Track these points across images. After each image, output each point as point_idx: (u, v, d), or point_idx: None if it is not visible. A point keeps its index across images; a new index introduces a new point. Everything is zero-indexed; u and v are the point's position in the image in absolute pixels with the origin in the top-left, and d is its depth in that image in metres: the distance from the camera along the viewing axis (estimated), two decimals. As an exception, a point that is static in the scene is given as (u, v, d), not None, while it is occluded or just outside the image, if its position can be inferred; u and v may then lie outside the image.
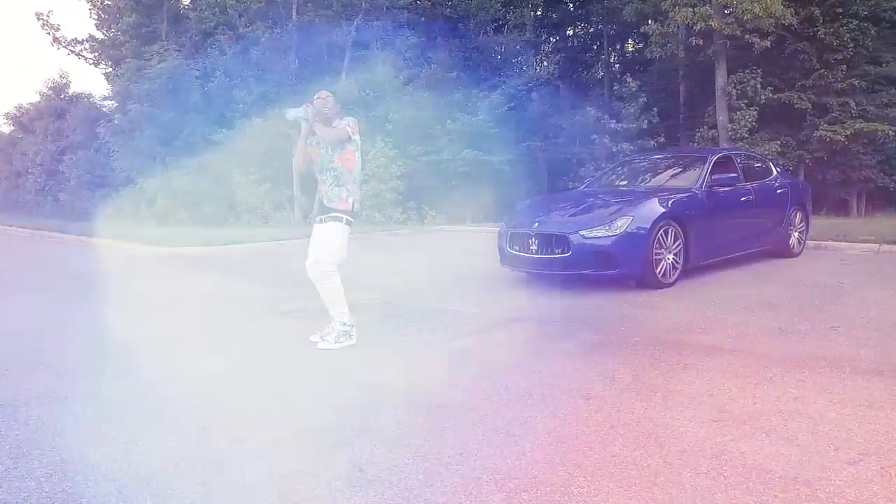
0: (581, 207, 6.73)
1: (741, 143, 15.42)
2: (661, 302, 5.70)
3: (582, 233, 6.19)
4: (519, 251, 6.67)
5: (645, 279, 6.27)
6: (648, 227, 6.20)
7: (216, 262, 9.52)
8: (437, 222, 16.13)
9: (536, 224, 6.55)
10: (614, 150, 16.41)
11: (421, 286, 7.01)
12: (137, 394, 3.58)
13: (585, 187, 8.12)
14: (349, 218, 4.46)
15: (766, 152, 17.01)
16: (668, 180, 7.42)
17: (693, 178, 7.11)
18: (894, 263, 7.61)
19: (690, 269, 6.64)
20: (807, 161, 17.25)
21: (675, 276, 6.48)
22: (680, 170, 7.59)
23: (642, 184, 7.56)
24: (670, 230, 6.44)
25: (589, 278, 6.33)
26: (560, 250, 6.29)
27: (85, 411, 3.31)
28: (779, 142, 16.59)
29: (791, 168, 17.22)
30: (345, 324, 4.49)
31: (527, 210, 7.18)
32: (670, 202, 6.52)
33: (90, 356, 4.41)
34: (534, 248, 6.50)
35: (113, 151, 18.62)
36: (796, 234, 8.24)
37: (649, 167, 8.02)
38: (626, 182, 7.68)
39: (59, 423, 3.14)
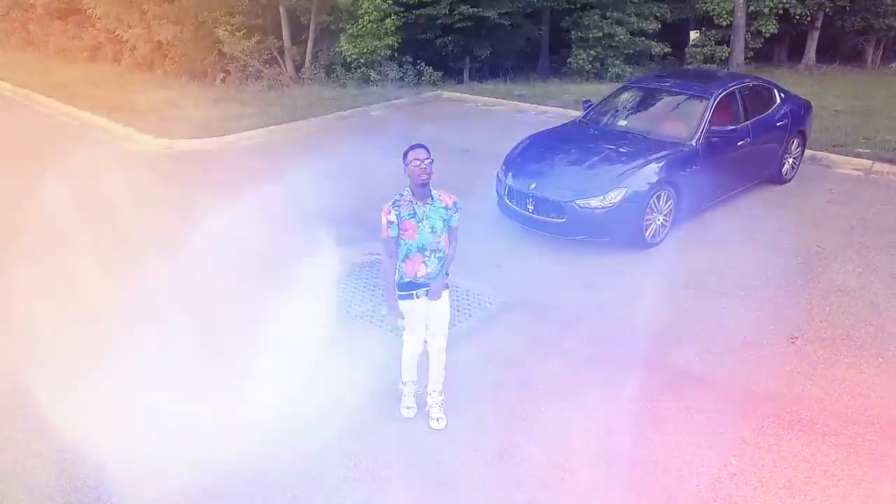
0: (578, 165, 6.79)
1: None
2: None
3: (577, 202, 6.39)
4: (517, 206, 6.90)
5: (634, 242, 6.63)
6: (641, 197, 6.41)
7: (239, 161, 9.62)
8: (434, 80, 15.62)
9: (534, 185, 6.70)
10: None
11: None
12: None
13: (584, 117, 8.00)
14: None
15: (786, 2, 15.92)
16: (665, 122, 7.31)
17: (691, 127, 7.04)
18: (880, 202, 7.85)
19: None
20: (827, 10, 16.20)
21: (664, 234, 6.82)
22: (679, 109, 7.43)
23: (640, 122, 7.46)
24: (663, 194, 6.64)
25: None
26: (555, 215, 6.55)
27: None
28: (800, -13, 15.47)
29: (809, 16, 16.25)
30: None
31: (525, 157, 7.20)
32: (664, 167, 6.60)
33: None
34: (531, 208, 6.74)
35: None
36: (791, 161, 8.34)
37: (648, 101, 7.80)
38: (624, 121, 7.55)
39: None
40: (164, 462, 4.00)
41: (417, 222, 3.82)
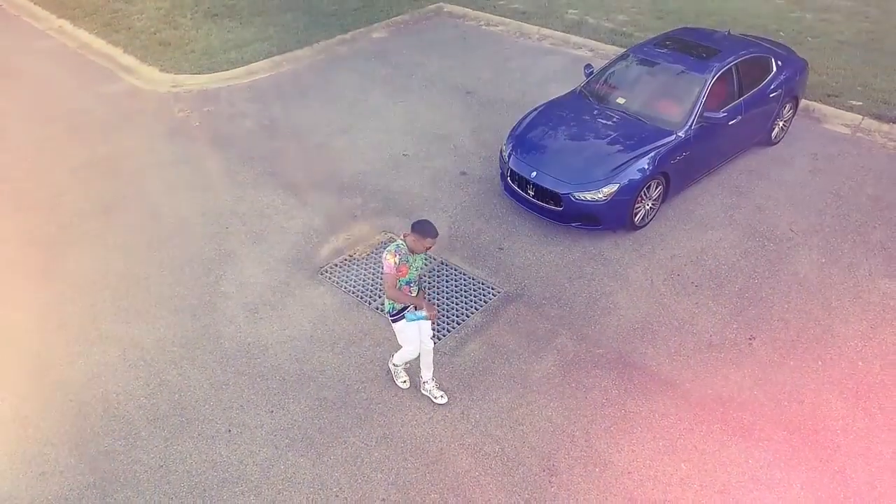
0: (576, 157, 7.21)
1: None
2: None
3: (574, 194, 6.97)
4: (518, 189, 7.46)
5: (624, 227, 7.28)
6: (633, 189, 6.97)
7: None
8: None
9: (535, 174, 7.21)
10: None
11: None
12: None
13: (585, 87, 8.22)
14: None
15: None
16: (660, 102, 7.60)
17: (684, 111, 7.38)
18: (858, 172, 8.35)
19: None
20: None
21: (652, 216, 7.46)
22: (675, 87, 7.66)
23: (636, 101, 7.74)
24: (653, 183, 7.19)
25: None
26: (553, 203, 7.15)
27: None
28: None
29: None
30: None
31: (527, 140, 7.58)
32: (656, 159, 7.07)
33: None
34: (531, 193, 7.31)
35: None
36: (781, 124, 8.70)
37: (646, 74, 7.97)
38: (622, 99, 7.81)
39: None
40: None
41: (409, 265, 4.93)
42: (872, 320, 6.19)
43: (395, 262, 4.79)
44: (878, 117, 9.26)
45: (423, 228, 4.71)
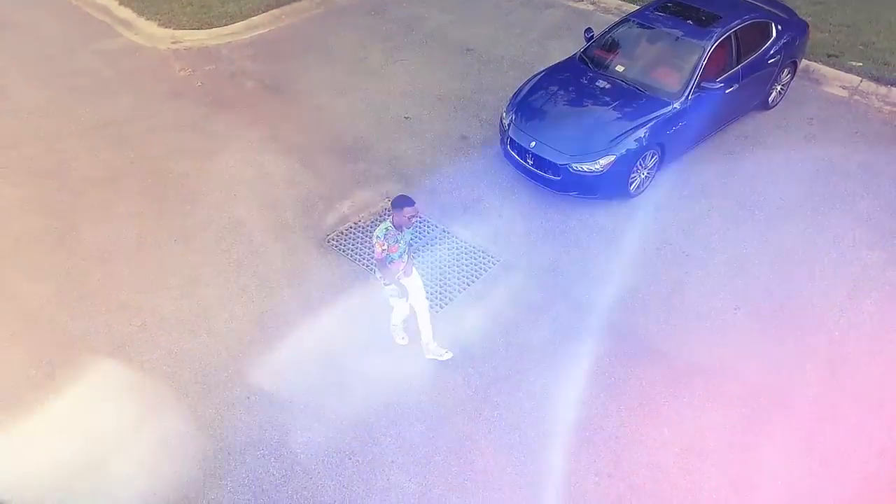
0: (574, 128, 7.36)
1: None
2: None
3: (572, 165, 7.17)
4: (517, 157, 7.65)
5: (620, 196, 7.52)
6: (629, 160, 7.18)
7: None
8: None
9: (534, 144, 7.38)
10: None
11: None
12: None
13: (585, 52, 8.24)
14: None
15: None
16: (658, 71, 7.69)
17: (682, 81, 7.48)
18: (852, 138, 8.50)
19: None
20: None
21: (647, 185, 7.68)
22: (673, 56, 7.73)
23: (634, 69, 7.81)
24: (649, 154, 7.37)
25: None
26: (552, 173, 7.36)
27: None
28: None
29: None
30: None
31: (527, 108, 7.70)
32: (653, 130, 7.24)
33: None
34: (530, 162, 7.51)
35: None
36: (778, 88, 8.78)
37: (645, 41, 8.00)
38: (620, 67, 7.87)
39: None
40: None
41: (398, 243, 5.33)
42: (851, 291, 6.55)
43: (385, 247, 5.24)
44: (877, 80, 9.32)
45: (399, 203, 5.17)
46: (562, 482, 5.15)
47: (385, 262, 5.32)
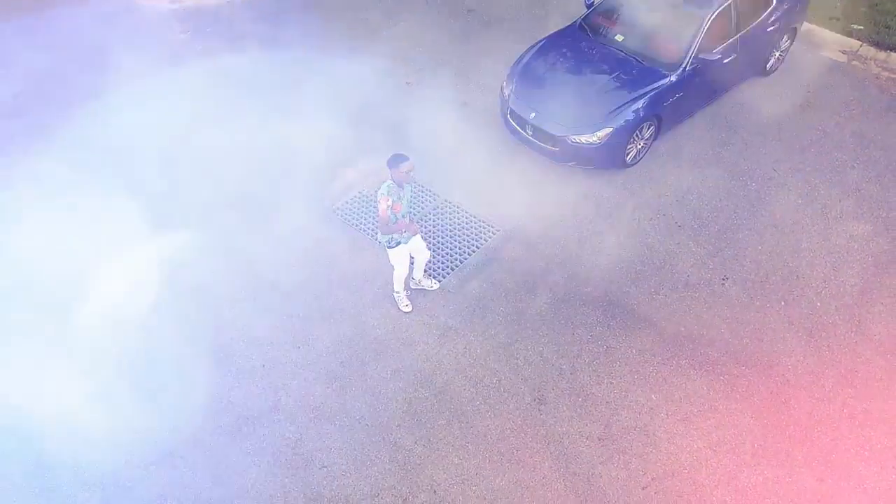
0: (573, 99, 7.48)
1: None
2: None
3: (570, 137, 7.35)
4: (518, 127, 7.80)
5: (616, 166, 7.72)
6: (626, 131, 7.36)
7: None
8: None
9: (533, 115, 7.53)
10: None
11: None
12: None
13: (585, 20, 8.23)
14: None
15: None
16: (657, 41, 7.72)
17: (680, 51, 7.55)
18: (847, 106, 8.60)
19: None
20: None
21: (643, 154, 7.86)
22: (672, 25, 7.73)
23: (633, 38, 7.84)
24: (646, 125, 7.53)
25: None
26: (551, 144, 7.54)
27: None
28: None
29: None
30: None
31: (527, 78, 7.81)
32: (650, 102, 7.37)
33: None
34: (530, 132, 7.67)
35: None
36: (777, 54, 8.82)
37: (646, 7, 7.95)
38: (620, 36, 7.89)
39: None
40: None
41: (401, 200, 5.68)
42: (835, 262, 6.85)
43: (389, 205, 5.56)
44: (877, 44, 9.35)
45: (395, 160, 5.51)
46: (556, 445, 5.58)
47: (390, 222, 5.63)
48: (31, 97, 8.83)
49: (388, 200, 5.54)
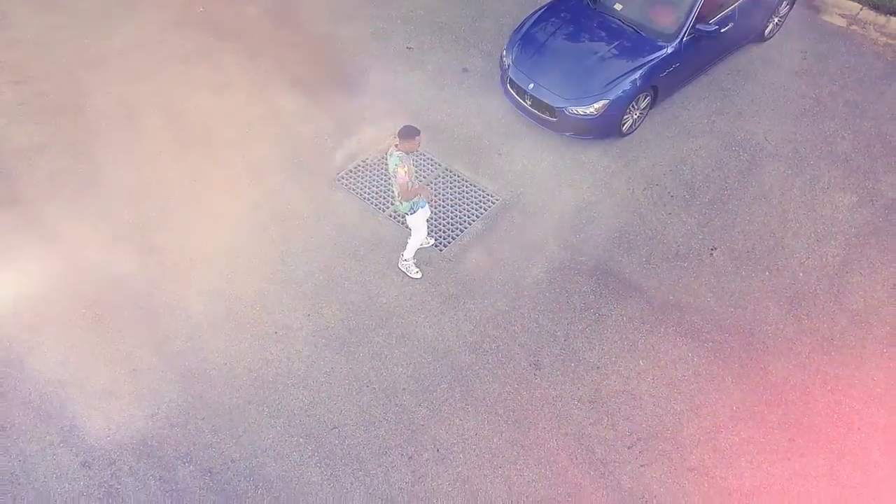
0: (570, 71, 7.61)
1: None
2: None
3: (568, 108, 7.52)
4: (517, 95, 7.95)
5: (612, 136, 7.91)
6: (623, 102, 7.53)
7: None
8: None
9: (532, 86, 7.67)
10: None
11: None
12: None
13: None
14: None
15: None
16: (655, 10, 7.78)
17: (678, 22, 7.62)
18: (843, 73, 8.71)
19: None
20: None
21: (639, 124, 8.05)
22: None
23: (632, 7, 7.89)
24: (642, 96, 7.69)
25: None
26: (549, 114, 7.71)
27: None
28: None
29: None
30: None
31: (526, 47, 7.89)
32: (647, 73, 7.51)
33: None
34: (528, 103, 7.83)
35: None
36: (775, 20, 8.86)
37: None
38: (620, 2, 7.92)
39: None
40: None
41: (413, 166, 6.10)
42: (819, 233, 7.17)
43: (406, 171, 5.86)
44: (877, 7, 9.36)
45: (408, 132, 5.85)
46: (549, 407, 6.04)
47: (407, 186, 5.94)
48: (36, 65, 8.89)
49: (404, 167, 5.86)
